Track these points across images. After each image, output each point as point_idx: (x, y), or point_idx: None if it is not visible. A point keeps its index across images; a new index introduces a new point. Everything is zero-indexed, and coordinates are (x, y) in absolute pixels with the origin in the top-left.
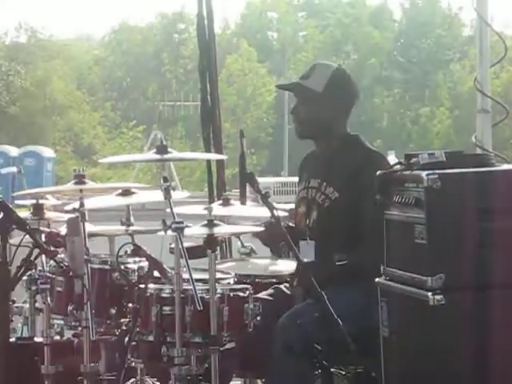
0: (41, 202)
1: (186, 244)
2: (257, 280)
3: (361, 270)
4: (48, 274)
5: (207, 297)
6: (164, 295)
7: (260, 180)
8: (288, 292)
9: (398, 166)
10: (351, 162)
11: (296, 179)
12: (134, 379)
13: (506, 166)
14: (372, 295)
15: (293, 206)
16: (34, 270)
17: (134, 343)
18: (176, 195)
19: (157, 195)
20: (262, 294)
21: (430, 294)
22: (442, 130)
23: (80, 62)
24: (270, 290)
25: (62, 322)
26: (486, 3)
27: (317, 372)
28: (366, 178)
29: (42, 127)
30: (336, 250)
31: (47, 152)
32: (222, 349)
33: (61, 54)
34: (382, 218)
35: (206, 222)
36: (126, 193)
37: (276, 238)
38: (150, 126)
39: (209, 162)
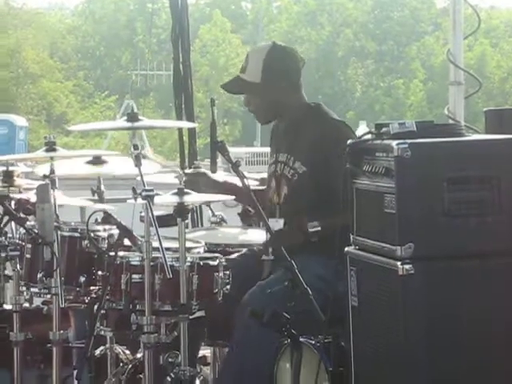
0: (11, 168)
1: (157, 212)
2: (227, 249)
3: (333, 236)
4: (17, 241)
5: (177, 265)
6: (134, 263)
7: (232, 150)
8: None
9: (368, 136)
10: (315, 133)
11: (268, 149)
12: (103, 347)
13: (475, 136)
14: (341, 264)
15: (264, 175)
16: (3, 237)
17: (103, 311)
18: (147, 165)
19: (128, 164)
20: (234, 256)
21: (399, 263)
22: (415, 102)
23: (53, 30)
24: (243, 251)
25: (31, 289)
26: None
27: (286, 341)
28: (331, 147)
29: (14, 96)
30: (309, 219)
31: (20, 121)
32: (191, 317)
33: (33, 23)
34: (351, 187)
35: (176, 191)
36: (97, 160)
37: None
38: (123, 96)
39: (180, 131)
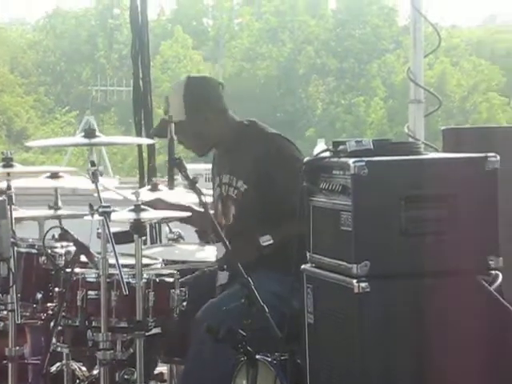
0: None
1: (114, 229)
2: (184, 266)
3: (286, 250)
4: None
5: (133, 282)
6: (90, 280)
7: (192, 167)
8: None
9: (325, 153)
10: (255, 151)
11: None
12: (59, 363)
13: (432, 154)
14: (298, 281)
15: None
16: None
17: (59, 328)
18: (105, 181)
19: (85, 180)
20: (188, 277)
21: (355, 281)
22: (375, 119)
23: (13, 45)
24: (197, 273)
25: None
26: None
27: (242, 358)
28: (270, 161)
29: None
30: (260, 234)
31: None
32: (147, 334)
33: None
34: (307, 204)
35: (133, 207)
36: (55, 176)
37: (203, 223)
38: (84, 112)
39: (140, 147)
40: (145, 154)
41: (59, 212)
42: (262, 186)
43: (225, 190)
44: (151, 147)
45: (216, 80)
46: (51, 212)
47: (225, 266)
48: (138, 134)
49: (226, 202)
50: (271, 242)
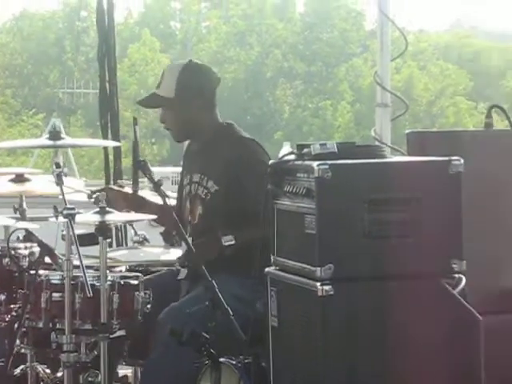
0: None
1: (79, 231)
2: (149, 268)
3: (247, 253)
4: None
5: (98, 284)
6: (54, 281)
7: (159, 169)
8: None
9: (290, 156)
10: (225, 152)
11: None
12: (23, 366)
13: (396, 158)
14: (260, 284)
15: None
16: None
17: (23, 329)
18: (72, 182)
19: (51, 183)
20: (152, 276)
21: (318, 284)
22: (342, 123)
23: None
24: (163, 271)
25: None
26: None
27: (206, 361)
28: (243, 165)
29: None
30: (223, 234)
31: None
32: (111, 336)
33: None
34: (272, 207)
35: (97, 209)
36: (20, 178)
37: (169, 223)
38: (50, 114)
39: (106, 150)
40: (111, 157)
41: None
42: (231, 188)
43: (194, 188)
44: (117, 150)
45: (215, 74)
46: (17, 216)
47: (185, 263)
48: (105, 137)
49: (194, 200)
50: (233, 242)
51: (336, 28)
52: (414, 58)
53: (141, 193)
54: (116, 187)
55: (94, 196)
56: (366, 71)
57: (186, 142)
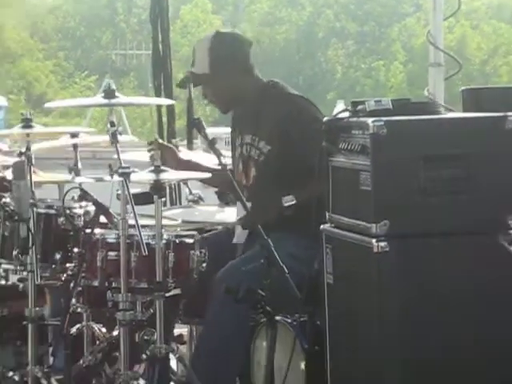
0: None
1: (134, 190)
2: (204, 227)
3: (303, 211)
4: None
5: (153, 243)
6: (110, 240)
7: (212, 130)
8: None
9: (344, 113)
10: (277, 111)
11: None
12: (79, 325)
13: (451, 114)
14: (317, 241)
15: None
16: None
17: (79, 288)
18: (125, 140)
19: (104, 141)
20: (208, 234)
21: (374, 240)
22: (395, 83)
23: (33, 10)
24: (221, 229)
25: (7, 266)
26: None
27: (262, 320)
28: (298, 126)
29: None
30: (283, 194)
31: None
32: (167, 295)
33: (14, 3)
34: (327, 164)
35: (152, 168)
36: (74, 137)
37: (222, 184)
38: (103, 76)
39: (159, 111)
40: (164, 118)
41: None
42: (283, 146)
43: (246, 150)
44: (171, 110)
45: (245, 38)
46: (72, 175)
47: (245, 225)
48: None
49: (247, 162)
50: (294, 202)
51: None
52: (467, 17)
53: (194, 153)
54: (168, 144)
55: (149, 155)
56: (419, 31)
57: None
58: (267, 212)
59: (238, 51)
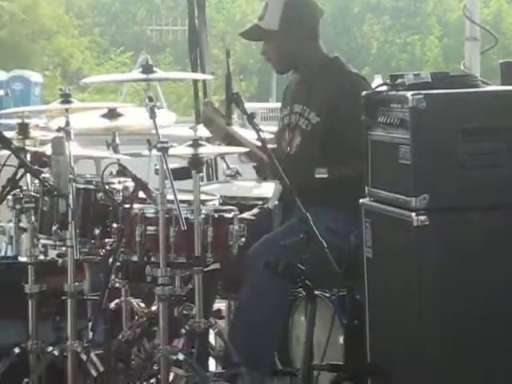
0: (26, 121)
1: (172, 165)
2: (242, 202)
3: (342, 186)
4: (33, 194)
5: (192, 217)
6: (148, 215)
7: (248, 105)
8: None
9: (383, 87)
10: (331, 85)
11: None
12: (117, 300)
13: (490, 87)
14: (355, 215)
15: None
16: (18, 190)
17: (118, 263)
18: (162, 117)
19: (143, 117)
20: (247, 214)
21: (414, 214)
22: (431, 58)
23: None
24: (255, 210)
25: (46, 241)
26: None
27: (300, 294)
28: (347, 100)
29: (30, 52)
30: (318, 166)
31: (35, 76)
32: (206, 270)
33: None
34: (366, 138)
35: (191, 142)
36: (112, 113)
37: (261, 160)
38: (138, 52)
39: (196, 86)
40: (200, 94)
41: (118, 150)
42: (331, 120)
43: (295, 119)
44: (207, 86)
45: (318, 5)
46: (110, 151)
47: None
48: (195, 72)
49: (293, 131)
50: (326, 175)
51: None
52: None
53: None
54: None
55: (191, 126)
56: (454, 5)
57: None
58: (298, 179)
59: (310, 16)
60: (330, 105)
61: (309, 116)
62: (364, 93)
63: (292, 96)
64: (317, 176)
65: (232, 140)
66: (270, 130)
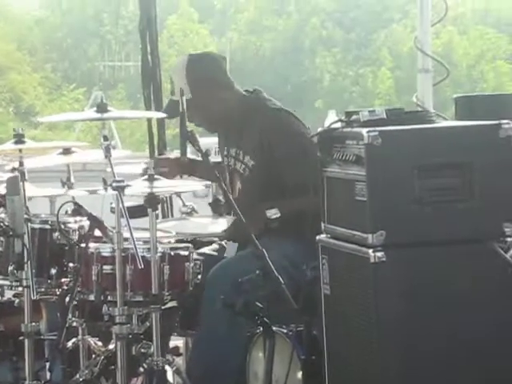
0: None
1: (127, 203)
2: (198, 239)
3: (297, 218)
4: None
5: (148, 255)
6: (105, 254)
7: (202, 140)
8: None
9: (338, 124)
10: (258, 126)
11: None
12: (75, 339)
13: (445, 123)
14: (313, 250)
15: None
16: None
17: (75, 302)
18: (117, 154)
19: (97, 154)
20: (207, 249)
21: (371, 250)
22: (383, 90)
23: (20, 22)
24: (215, 245)
25: (2, 281)
26: None
27: (258, 330)
28: (277, 139)
29: None
30: (267, 208)
31: None
32: (163, 308)
33: (1, 15)
34: (321, 175)
35: (146, 177)
36: (67, 152)
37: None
38: (91, 88)
39: (149, 122)
40: (154, 129)
41: (73, 188)
42: (266, 160)
43: (232, 162)
44: (161, 121)
45: (218, 55)
46: (65, 189)
47: (233, 237)
48: (148, 109)
49: (232, 174)
50: (278, 215)
51: None
52: (454, 22)
53: None
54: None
55: (143, 167)
56: (406, 37)
57: None
58: (252, 225)
59: (214, 70)
60: (262, 146)
61: (244, 160)
62: (319, 129)
63: (225, 139)
64: (270, 217)
65: (191, 169)
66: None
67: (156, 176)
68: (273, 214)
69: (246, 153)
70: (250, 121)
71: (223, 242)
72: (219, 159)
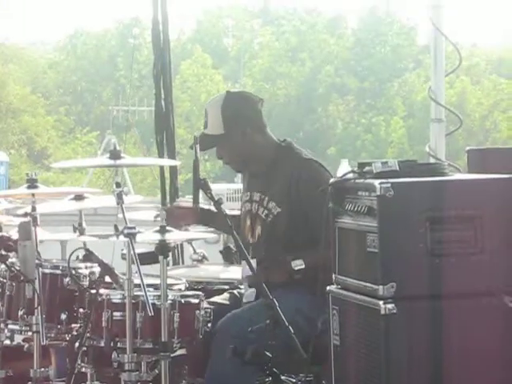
0: None
1: (138, 250)
2: (208, 286)
3: (312, 271)
4: None
5: (158, 303)
6: (115, 301)
7: (213, 186)
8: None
9: (350, 175)
10: (288, 174)
11: None
12: None
13: (458, 176)
14: (324, 301)
15: None
16: None
17: (84, 348)
18: (129, 199)
19: (109, 200)
20: (218, 299)
21: (381, 302)
22: (395, 139)
23: (35, 66)
24: (226, 295)
25: (12, 326)
26: (442, 13)
27: (267, 380)
28: (305, 187)
29: None
30: (292, 258)
31: (0, 155)
32: (172, 355)
33: (16, 58)
34: (333, 225)
35: (158, 228)
36: (79, 198)
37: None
38: (104, 132)
39: (162, 168)
40: (166, 174)
41: (84, 234)
42: (293, 210)
43: (255, 207)
44: (173, 168)
45: (255, 96)
46: (76, 234)
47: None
48: (161, 155)
49: (254, 219)
50: (303, 266)
51: (388, 43)
52: (467, 72)
53: None
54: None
55: (155, 215)
56: (419, 86)
57: None
58: (276, 275)
59: (250, 110)
60: (290, 194)
61: (268, 205)
62: (331, 180)
63: (250, 183)
64: (295, 268)
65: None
66: (236, 213)
67: (167, 227)
68: (298, 264)
69: (272, 199)
70: (280, 168)
71: (235, 291)
72: (232, 207)
